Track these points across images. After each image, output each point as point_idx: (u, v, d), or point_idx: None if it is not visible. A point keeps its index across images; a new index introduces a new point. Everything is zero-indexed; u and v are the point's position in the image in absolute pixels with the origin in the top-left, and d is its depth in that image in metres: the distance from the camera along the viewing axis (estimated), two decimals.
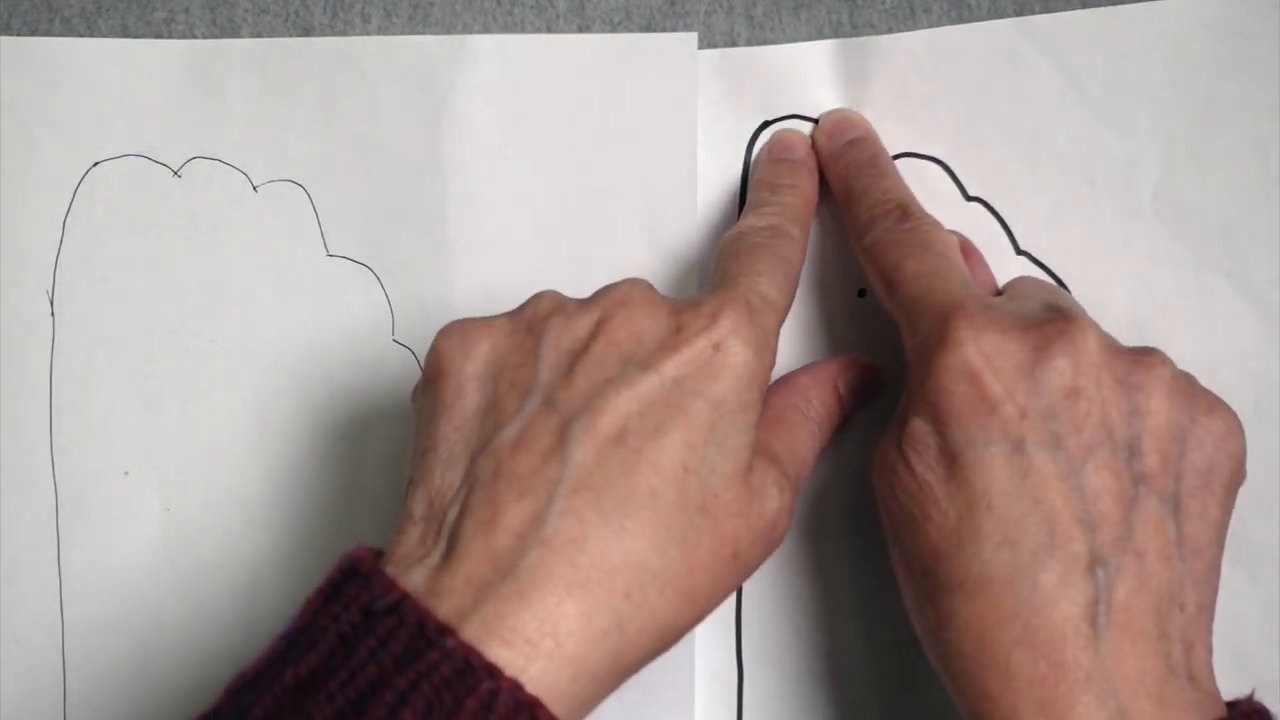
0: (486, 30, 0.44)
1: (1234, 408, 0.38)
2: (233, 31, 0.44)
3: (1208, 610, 0.35)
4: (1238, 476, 0.37)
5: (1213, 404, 0.37)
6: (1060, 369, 0.35)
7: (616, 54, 0.44)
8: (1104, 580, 0.33)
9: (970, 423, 0.34)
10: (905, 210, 0.40)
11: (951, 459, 0.35)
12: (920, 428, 0.36)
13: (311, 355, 0.44)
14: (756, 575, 0.44)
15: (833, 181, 0.43)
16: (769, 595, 0.44)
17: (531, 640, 0.30)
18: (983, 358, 0.35)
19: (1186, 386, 0.37)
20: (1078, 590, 0.33)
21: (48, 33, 0.44)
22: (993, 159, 0.44)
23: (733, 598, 0.44)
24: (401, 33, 0.44)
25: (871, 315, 0.44)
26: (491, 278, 0.44)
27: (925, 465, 0.35)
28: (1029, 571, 0.33)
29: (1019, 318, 0.36)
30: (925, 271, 0.38)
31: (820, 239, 0.44)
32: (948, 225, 0.44)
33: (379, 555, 0.33)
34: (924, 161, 0.44)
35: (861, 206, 0.41)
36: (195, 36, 0.44)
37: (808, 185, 0.42)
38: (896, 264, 0.38)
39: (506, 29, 0.44)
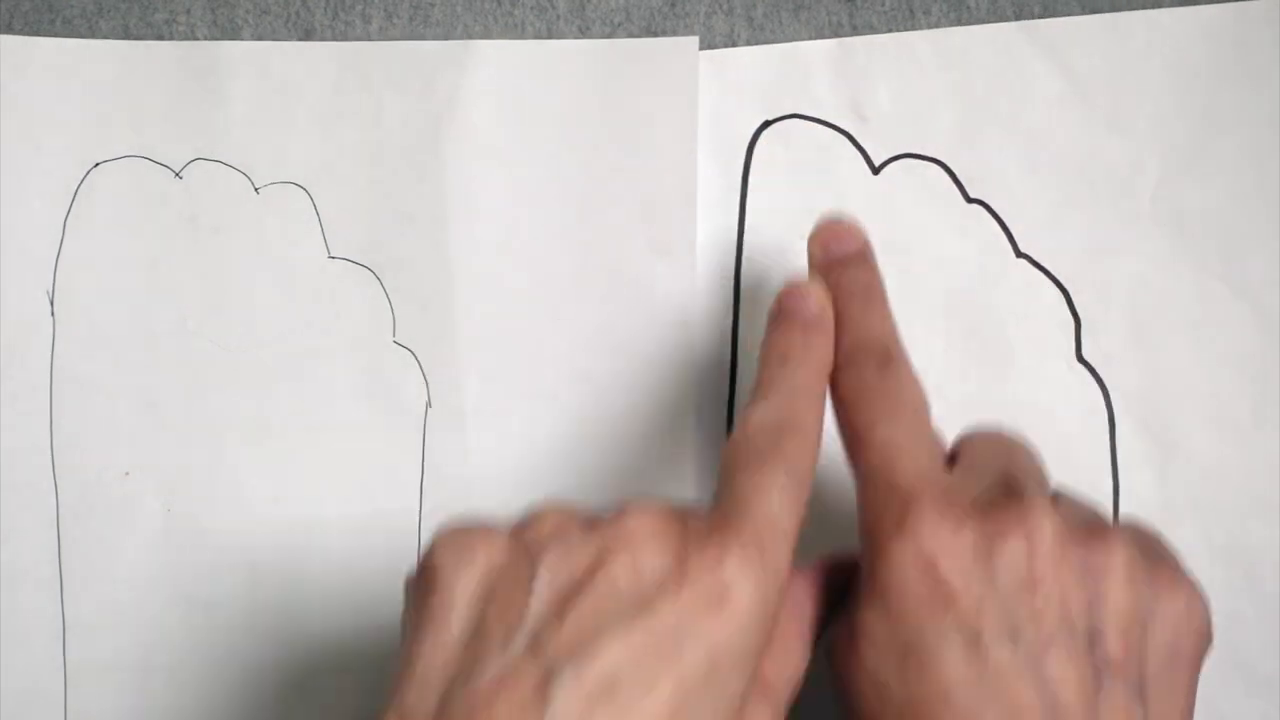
0: (487, 30, 0.44)
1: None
2: (234, 32, 0.44)
3: None
4: (1205, 649, 0.36)
5: (1175, 579, 0.36)
6: (1017, 559, 0.34)
7: (618, 58, 0.44)
8: None
9: (925, 616, 0.33)
10: (887, 355, 0.38)
11: (906, 652, 0.34)
12: (873, 620, 0.34)
13: (312, 356, 0.44)
14: None
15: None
16: None
17: None
18: (940, 548, 0.34)
19: (1146, 566, 0.36)
20: None
21: (49, 33, 0.44)
22: (993, 161, 0.44)
23: None
24: (402, 33, 0.44)
25: None
26: (493, 280, 0.44)
27: (879, 657, 0.34)
28: None
29: (975, 502, 0.35)
30: (896, 440, 0.36)
31: None
32: (948, 228, 0.44)
33: None
34: (925, 163, 0.44)
35: (843, 341, 0.39)
36: (196, 37, 0.44)
37: (822, 351, 0.39)
38: (870, 424, 0.37)
39: (507, 29, 0.44)
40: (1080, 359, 0.44)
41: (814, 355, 0.38)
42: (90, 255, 0.44)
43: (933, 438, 0.37)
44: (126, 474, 0.44)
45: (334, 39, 0.44)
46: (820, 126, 0.44)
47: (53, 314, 0.44)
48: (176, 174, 0.44)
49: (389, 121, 0.43)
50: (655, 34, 0.44)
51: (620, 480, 0.43)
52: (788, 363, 0.38)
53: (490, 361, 0.44)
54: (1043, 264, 0.44)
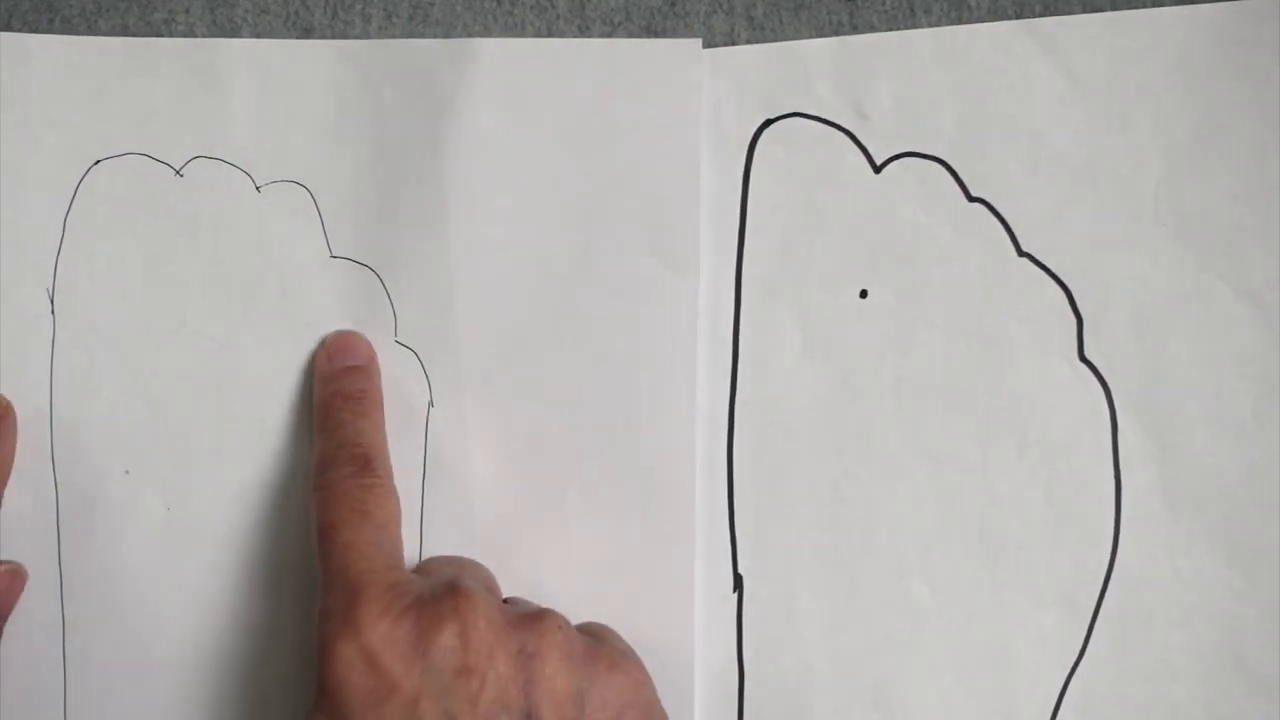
0: (487, 29, 0.44)
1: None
2: (233, 31, 0.44)
3: None
4: None
5: (615, 661, 0.38)
6: (451, 648, 0.35)
7: (620, 59, 0.44)
8: None
9: (368, 712, 0.35)
10: (367, 462, 0.40)
11: None
12: None
13: (314, 356, 0.43)
14: (756, 576, 0.44)
15: (316, 403, 0.42)
16: (769, 596, 0.44)
17: None
18: (380, 642, 0.35)
19: (584, 648, 0.37)
20: None
21: (48, 32, 0.44)
22: (995, 160, 0.44)
23: (733, 598, 0.44)
24: (402, 33, 0.44)
25: (872, 316, 0.44)
26: (494, 280, 0.44)
27: None
28: None
29: (415, 597, 0.37)
30: (356, 543, 0.38)
31: (819, 238, 0.44)
32: (950, 227, 0.44)
33: None
34: (926, 161, 0.44)
35: (330, 442, 0.41)
36: (195, 36, 0.44)
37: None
38: (334, 525, 0.39)
39: (507, 29, 0.44)
40: (1082, 357, 0.44)
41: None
42: (91, 253, 0.44)
43: (393, 548, 0.39)
44: (126, 473, 0.44)
45: (334, 38, 0.44)
46: (821, 125, 0.44)
47: (53, 312, 0.44)
48: (177, 172, 0.44)
49: (389, 121, 0.43)
50: (655, 33, 0.44)
51: (621, 480, 0.43)
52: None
53: (492, 361, 0.44)
54: (1044, 263, 0.44)
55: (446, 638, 0.35)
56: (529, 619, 0.37)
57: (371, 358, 0.43)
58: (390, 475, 0.41)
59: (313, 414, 0.43)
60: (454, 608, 0.36)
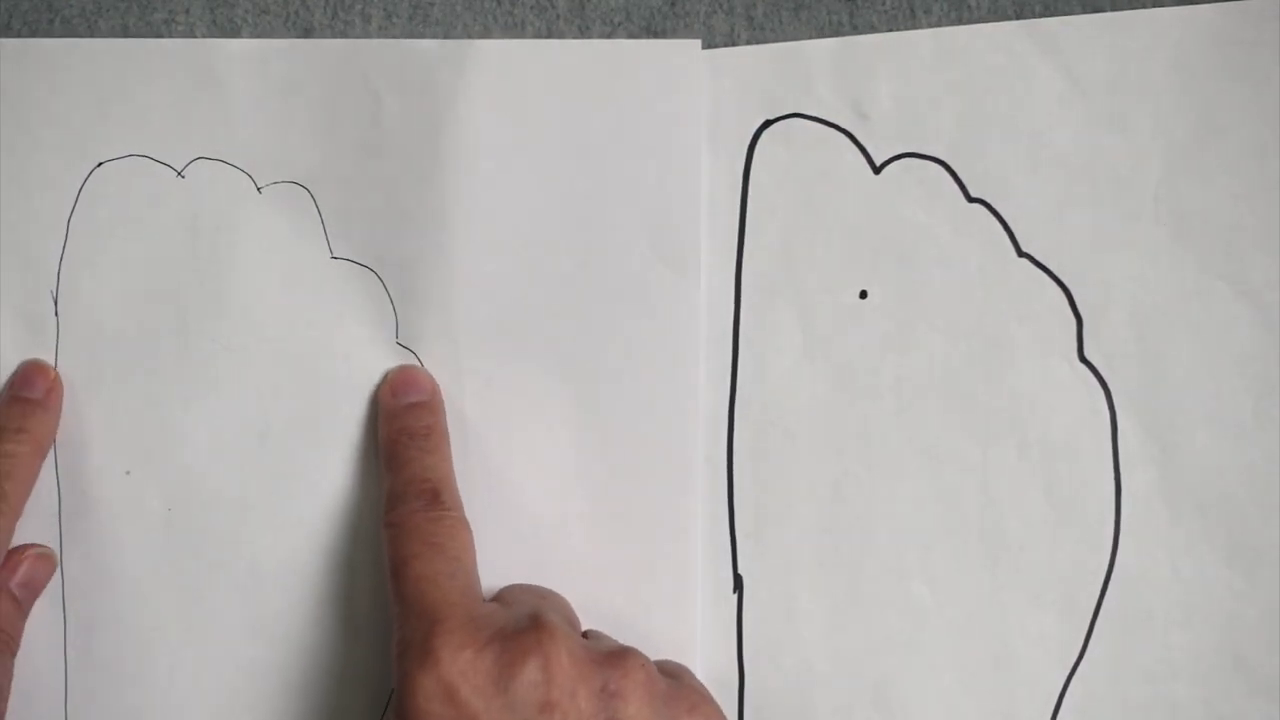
0: (486, 29, 0.44)
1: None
2: (233, 32, 0.44)
3: None
4: None
5: (695, 703, 0.38)
6: (534, 683, 0.35)
7: (620, 59, 0.44)
8: None
9: None
10: (436, 496, 0.40)
11: None
12: None
13: (315, 357, 0.43)
14: (756, 576, 0.44)
15: (382, 440, 0.42)
16: (769, 596, 0.44)
17: None
18: (460, 675, 0.35)
19: (666, 689, 0.37)
20: None
21: (48, 33, 0.44)
22: (995, 160, 0.44)
23: (733, 599, 0.44)
24: (402, 33, 0.44)
25: (871, 316, 0.44)
26: (495, 281, 0.44)
27: None
28: None
29: (497, 630, 0.37)
30: (428, 575, 0.38)
31: (819, 239, 0.44)
32: (949, 227, 0.44)
33: None
34: (926, 162, 0.44)
35: (399, 479, 0.41)
36: (195, 37, 0.44)
37: (40, 429, 0.42)
38: (406, 560, 0.39)
39: (507, 29, 0.44)
40: (1082, 358, 0.44)
41: (32, 431, 0.42)
42: (93, 255, 0.44)
43: (468, 579, 0.39)
44: (127, 473, 0.44)
45: (333, 38, 0.44)
46: (821, 125, 0.44)
47: (56, 314, 0.44)
48: (179, 173, 0.44)
49: (390, 121, 0.43)
50: (655, 33, 0.44)
51: (621, 480, 0.43)
52: (3, 436, 0.41)
53: (492, 361, 0.44)
54: (1044, 263, 0.44)
55: (530, 672, 0.35)
56: (612, 656, 0.37)
57: (435, 391, 0.43)
58: (460, 508, 0.41)
59: (377, 450, 0.43)
60: (537, 642, 0.36)
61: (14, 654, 0.41)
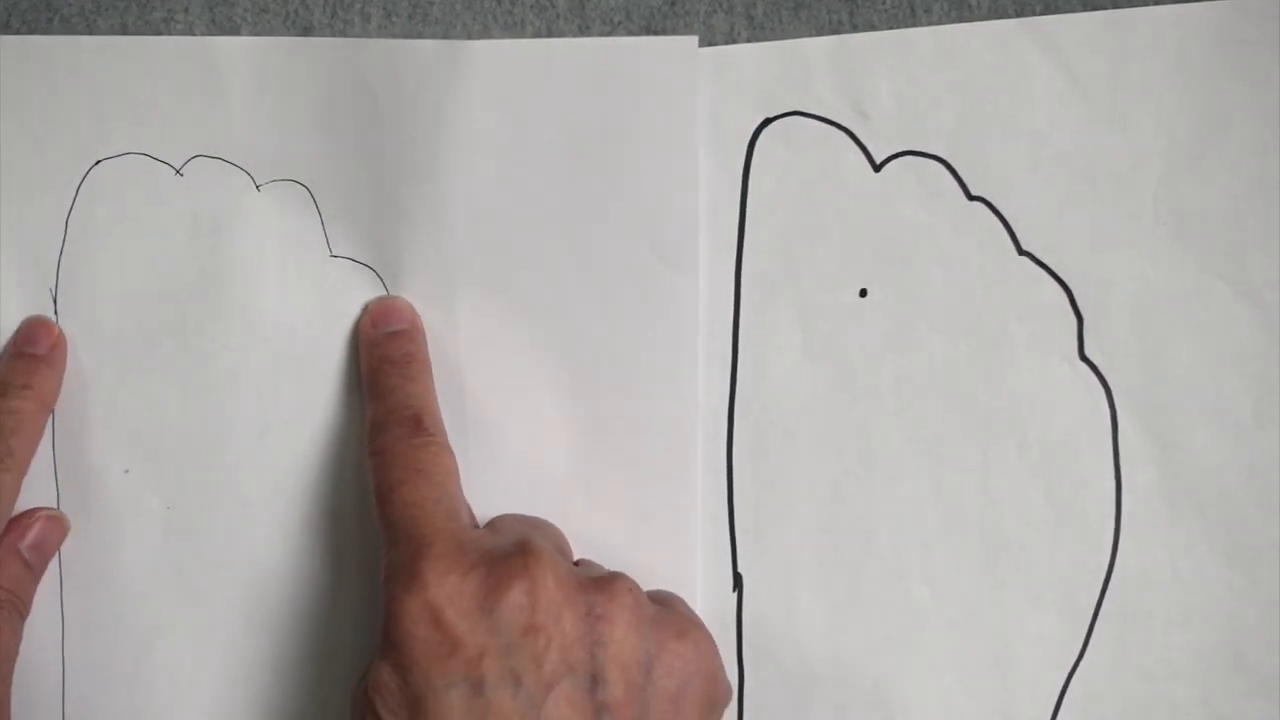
0: (486, 29, 0.44)
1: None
2: (232, 30, 0.44)
3: None
4: (712, 697, 0.38)
5: (684, 628, 0.38)
6: (519, 606, 0.35)
7: (617, 57, 0.44)
8: None
9: (431, 666, 0.35)
10: (419, 422, 0.40)
11: (414, 703, 0.35)
12: (385, 672, 0.36)
13: (314, 355, 0.43)
14: (756, 576, 0.44)
15: (364, 370, 0.43)
16: (769, 595, 0.44)
17: None
18: (445, 598, 0.35)
19: (654, 614, 0.37)
20: None
21: (46, 32, 0.44)
22: (995, 158, 0.44)
23: (733, 598, 0.44)
24: (401, 32, 0.44)
25: (871, 315, 0.44)
26: (493, 279, 0.44)
27: (390, 711, 0.36)
28: None
29: (484, 554, 0.37)
30: (415, 500, 0.38)
31: (819, 237, 0.44)
32: (950, 225, 0.44)
33: None
34: (926, 160, 0.44)
35: (381, 407, 0.41)
36: (194, 35, 0.44)
37: (45, 385, 0.42)
38: (392, 486, 0.39)
39: (506, 28, 0.44)
40: (1082, 357, 0.44)
41: (36, 386, 0.42)
42: (92, 253, 0.44)
43: (453, 504, 0.39)
44: (127, 472, 0.44)
45: (333, 38, 0.44)
46: (821, 124, 0.44)
47: (55, 312, 0.44)
48: (177, 171, 0.44)
49: (389, 120, 0.43)
50: (655, 32, 0.44)
51: (621, 480, 0.43)
52: (8, 393, 0.41)
53: (491, 361, 0.44)
54: (1044, 261, 0.44)
55: (515, 595, 0.35)
56: (599, 581, 0.37)
57: (415, 321, 0.43)
58: (443, 433, 0.41)
59: (361, 382, 0.43)
60: (523, 566, 0.36)
61: (24, 617, 0.41)
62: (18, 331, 0.43)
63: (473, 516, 0.42)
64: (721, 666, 0.38)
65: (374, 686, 0.36)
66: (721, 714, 0.38)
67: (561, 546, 0.40)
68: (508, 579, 0.36)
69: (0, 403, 0.41)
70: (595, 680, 0.35)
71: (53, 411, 0.43)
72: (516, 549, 0.37)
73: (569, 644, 0.35)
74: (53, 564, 0.43)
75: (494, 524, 0.41)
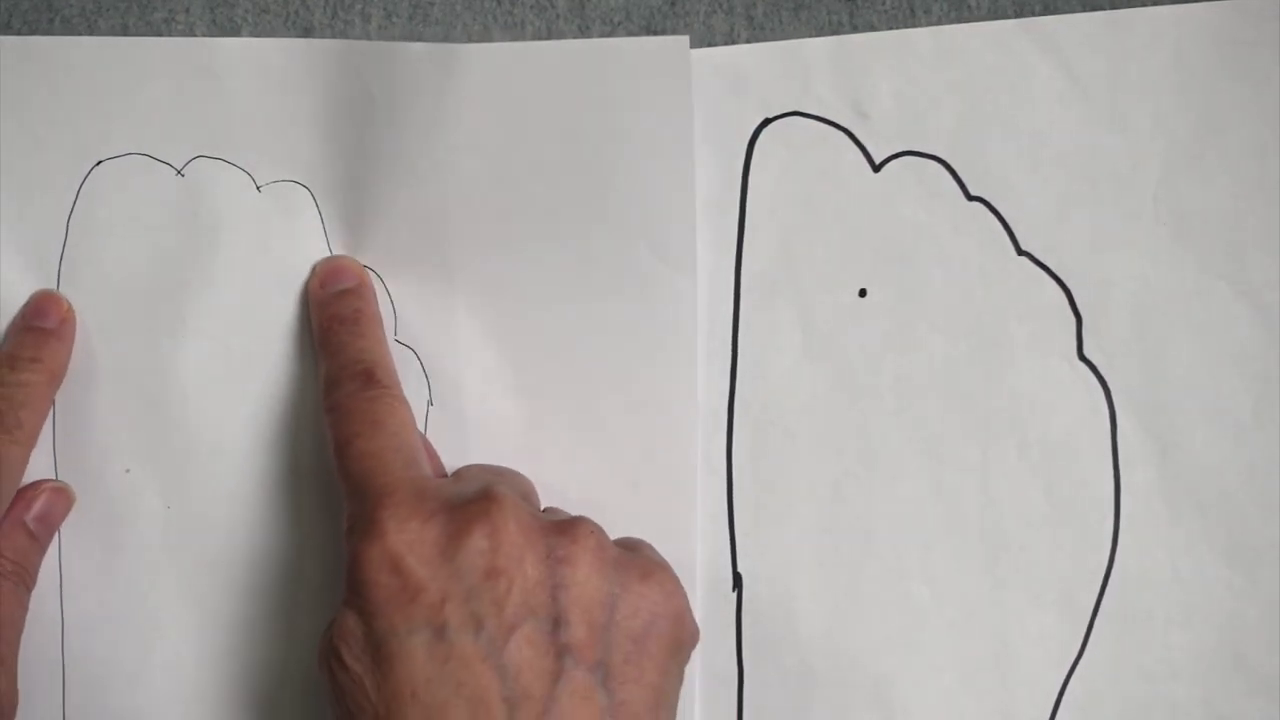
0: (486, 29, 0.44)
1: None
2: (232, 31, 0.44)
3: None
4: (678, 638, 0.38)
5: (648, 569, 0.38)
6: (480, 550, 0.35)
7: (610, 58, 0.44)
8: None
9: (394, 612, 0.35)
10: (371, 376, 0.40)
11: (377, 650, 0.35)
12: (350, 619, 0.36)
13: (314, 355, 0.44)
14: (756, 576, 0.44)
15: (315, 330, 0.43)
16: (769, 595, 0.44)
17: None
18: (405, 545, 0.35)
19: (617, 555, 0.37)
20: None
21: (47, 32, 0.44)
22: (994, 159, 0.44)
23: (733, 598, 0.44)
24: (402, 32, 0.44)
25: (871, 315, 0.44)
26: (493, 279, 0.44)
27: (354, 657, 0.36)
28: None
29: (445, 501, 0.37)
30: (372, 451, 0.38)
31: (819, 237, 0.44)
32: (949, 226, 0.44)
33: None
34: (925, 160, 0.44)
35: (333, 364, 0.41)
36: (195, 36, 0.44)
37: (54, 359, 0.42)
38: (348, 438, 0.39)
39: (506, 28, 0.44)
40: (1082, 357, 0.44)
41: (45, 360, 0.42)
42: (93, 254, 0.44)
43: (411, 454, 0.39)
44: (127, 471, 0.44)
45: (333, 38, 0.44)
46: (821, 124, 0.44)
47: None
48: (178, 172, 0.44)
49: (389, 121, 0.43)
50: (655, 33, 0.44)
51: (620, 479, 0.43)
52: (18, 366, 0.42)
53: (491, 360, 0.44)
54: (1044, 261, 0.44)
55: (476, 540, 0.35)
56: (562, 524, 0.37)
57: (362, 278, 0.43)
58: (397, 385, 0.41)
59: (313, 343, 0.43)
60: (484, 511, 0.36)
61: (30, 589, 0.42)
62: (27, 305, 0.43)
63: (440, 467, 0.42)
64: (688, 608, 0.38)
65: (338, 635, 0.36)
66: (688, 656, 0.38)
67: (526, 493, 0.40)
68: (468, 524, 0.36)
69: (9, 375, 0.41)
70: (557, 622, 0.35)
71: (54, 409, 0.43)
72: (478, 495, 0.37)
73: (531, 587, 0.35)
74: (53, 564, 0.43)
75: (458, 474, 0.41)
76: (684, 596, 0.38)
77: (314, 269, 0.43)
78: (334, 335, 0.42)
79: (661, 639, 0.37)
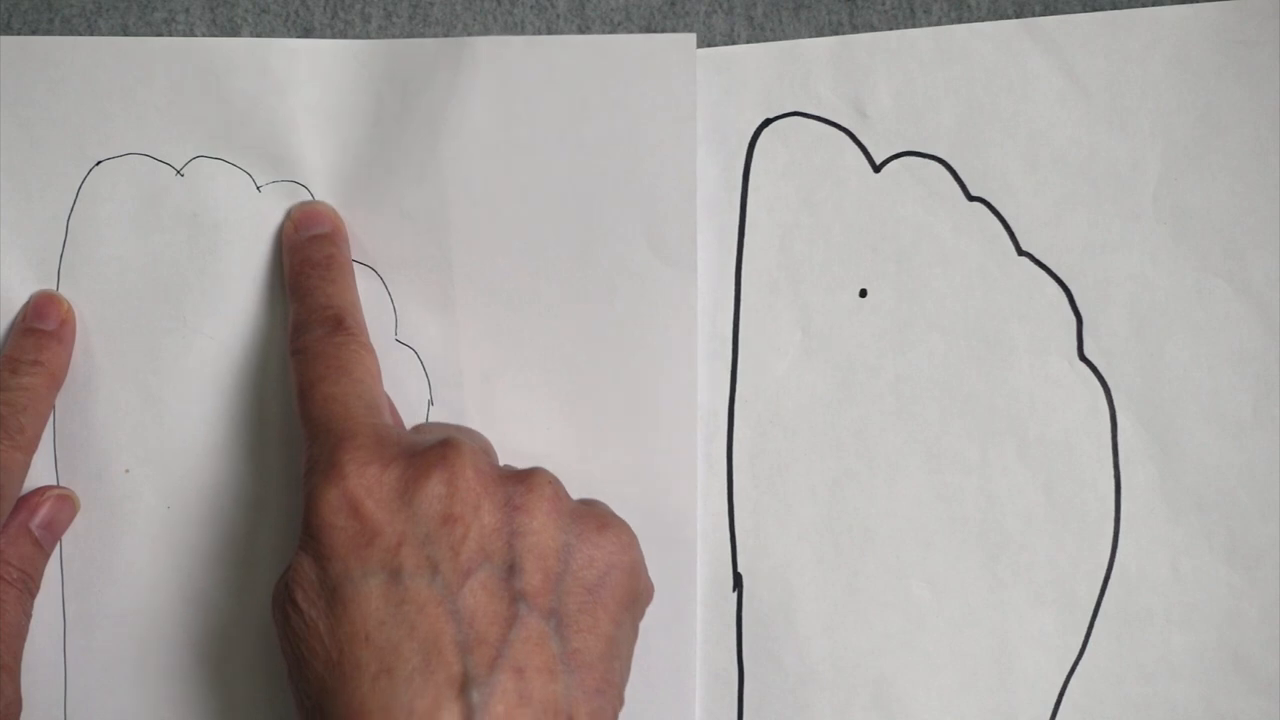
0: (486, 29, 0.44)
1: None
2: (233, 31, 0.44)
3: (603, 718, 0.36)
4: (633, 591, 0.38)
5: (605, 521, 0.38)
6: (437, 496, 0.35)
7: (616, 55, 0.44)
8: (479, 700, 0.33)
9: (349, 556, 0.35)
10: (339, 322, 0.41)
11: (332, 593, 0.35)
12: (305, 563, 0.36)
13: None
14: (756, 575, 0.44)
15: (287, 274, 0.43)
16: (769, 595, 0.44)
17: None
18: (364, 488, 0.35)
19: (573, 506, 0.38)
20: (450, 712, 0.33)
21: (47, 32, 0.44)
22: (995, 159, 0.44)
23: (733, 598, 0.44)
24: (402, 32, 0.44)
25: (871, 315, 0.44)
26: (493, 278, 0.44)
27: (310, 601, 0.36)
28: (404, 699, 0.33)
29: (406, 448, 0.37)
30: (336, 396, 0.38)
31: (819, 237, 0.44)
32: (949, 226, 0.44)
33: None
34: (926, 160, 0.44)
35: (302, 308, 0.41)
36: (195, 36, 0.44)
37: (54, 361, 0.43)
38: (312, 382, 0.39)
39: (506, 28, 0.44)
40: (1082, 357, 0.44)
41: (46, 363, 0.43)
42: (93, 253, 0.44)
43: (374, 400, 0.39)
44: (127, 471, 0.44)
45: (334, 38, 0.44)
46: (821, 124, 0.44)
47: None
48: (178, 172, 0.44)
49: (389, 120, 0.43)
50: (655, 32, 0.44)
51: (620, 479, 0.43)
52: (19, 370, 0.42)
53: (491, 359, 0.44)
54: (1044, 262, 0.44)
55: (433, 486, 0.36)
56: (519, 474, 0.37)
57: (336, 224, 0.43)
58: (364, 333, 0.41)
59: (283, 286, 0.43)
60: (442, 457, 0.36)
61: (34, 595, 0.42)
62: (26, 306, 0.43)
63: (399, 419, 0.42)
64: (642, 562, 0.38)
65: (294, 578, 0.36)
66: (643, 611, 0.39)
67: (486, 448, 0.40)
68: (427, 470, 0.36)
69: (10, 379, 0.41)
70: (512, 569, 0.35)
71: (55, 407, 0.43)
72: (437, 443, 0.37)
73: (487, 533, 0.36)
74: (53, 564, 0.43)
75: (419, 427, 0.41)
76: (639, 551, 0.38)
77: (289, 213, 0.43)
78: (305, 279, 0.42)
79: (615, 590, 0.37)
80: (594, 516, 0.38)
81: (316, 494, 0.36)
